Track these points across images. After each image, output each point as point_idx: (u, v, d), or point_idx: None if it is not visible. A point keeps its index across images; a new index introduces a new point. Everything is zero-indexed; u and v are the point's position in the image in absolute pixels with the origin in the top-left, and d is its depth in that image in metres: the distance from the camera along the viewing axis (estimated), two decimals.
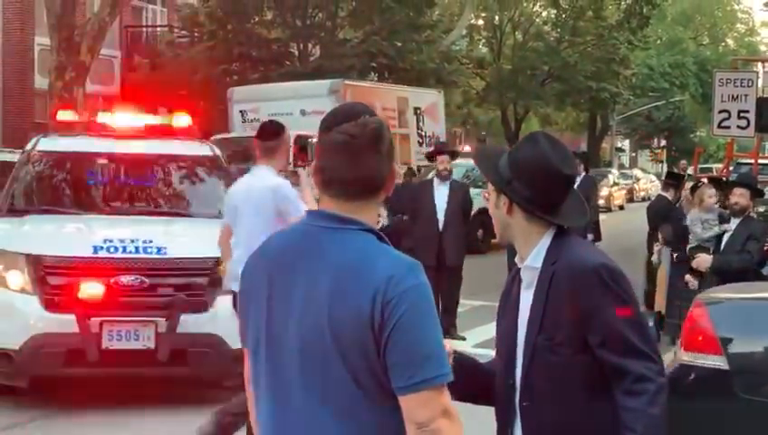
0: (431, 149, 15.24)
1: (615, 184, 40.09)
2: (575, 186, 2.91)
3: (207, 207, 8.58)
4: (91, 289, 7.18)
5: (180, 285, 7.42)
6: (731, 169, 16.89)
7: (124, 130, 8.94)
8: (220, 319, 7.07)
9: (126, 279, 7.26)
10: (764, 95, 16.05)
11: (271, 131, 6.29)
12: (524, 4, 41.55)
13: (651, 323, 9.58)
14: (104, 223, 8.05)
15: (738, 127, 14.01)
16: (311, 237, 2.33)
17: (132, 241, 7.47)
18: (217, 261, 7.31)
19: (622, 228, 22.87)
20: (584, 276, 2.69)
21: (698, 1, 63.00)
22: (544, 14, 42.19)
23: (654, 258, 10.61)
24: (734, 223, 8.13)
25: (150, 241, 7.50)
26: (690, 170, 20.11)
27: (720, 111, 14.10)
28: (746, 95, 13.95)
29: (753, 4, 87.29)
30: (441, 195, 10.40)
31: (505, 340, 2.86)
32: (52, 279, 7.26)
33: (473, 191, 11.80)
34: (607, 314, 2.67)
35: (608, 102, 42.51)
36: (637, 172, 52.42)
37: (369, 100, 16.70)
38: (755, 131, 14.39)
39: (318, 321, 2.24)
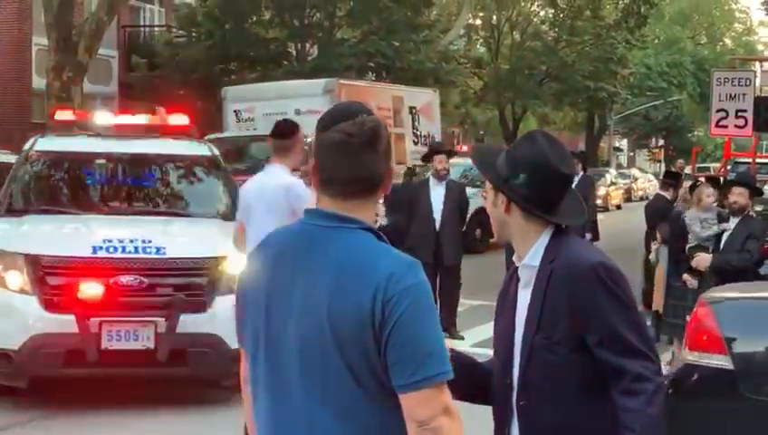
0: (426, 148, 15.19)
1: (613, 183, 40.01)
2: (573, 185, 2.91)
3: (206, 206, 8.59)
4: (91, 289, 7.17)
5: (179, 285, 7.42)
6: (729, 168, 16.90)
7: (122, 130, 8.94)
8: (219, 319, 7.05)
9: (125, 279, 7.25)
10: (762, 94, 16.02)
11: (285, 130, 6.28)
12: (522, 4, 41.52)
13: (649, 323, 9.59)
14: (103, 223, 8.05)
15: (736, 126, 13.98)
16: (310, 236, 2.33)
17: (131, 241, 7.46)
18: (217, 261, 7.32)
19: (620, 228, 22.86)
20: (582, 275, 2.68)
21: (696, 0, 63.07)
22: (542, 13, 42.16)
23: (652, 257, 10.61)
24: (734, 222, 8.13)
25: (149, 241, 7.50)
26: (688, 170, 20.13)
27: (718, 111, 14.07)
28: (744, 94, 13.93)
29: (750, 4, 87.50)
30: (437, 194, 10.40)
31: (503, 339, 2.85)
32: (52, 279, 7.25)
33: (470, 191, 11.80)
34: (605, 313, 2.66)
35: (605, 102, 42.48)
36: (635, 172, 52.35)
37: (365, 99, 16.59)
38: (753, 130, 14.38)
39: (317, 318, 2.24)
